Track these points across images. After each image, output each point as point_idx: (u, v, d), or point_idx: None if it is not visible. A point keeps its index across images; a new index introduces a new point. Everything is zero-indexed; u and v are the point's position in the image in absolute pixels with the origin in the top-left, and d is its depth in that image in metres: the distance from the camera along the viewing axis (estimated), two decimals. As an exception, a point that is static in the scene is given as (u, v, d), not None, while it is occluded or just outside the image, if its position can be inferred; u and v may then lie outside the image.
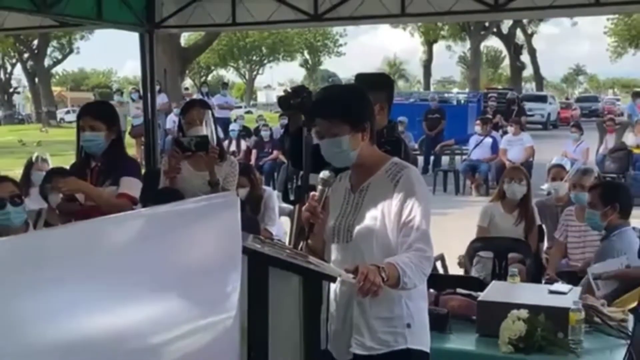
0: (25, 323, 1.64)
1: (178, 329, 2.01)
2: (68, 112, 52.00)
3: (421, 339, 3.20)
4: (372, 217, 3.14)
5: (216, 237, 2.21)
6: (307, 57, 64.22)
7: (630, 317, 3.80)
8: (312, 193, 3.25)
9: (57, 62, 54.07)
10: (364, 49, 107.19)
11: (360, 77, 4.42)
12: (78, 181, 4.42)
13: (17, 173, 7.38)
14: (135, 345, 1.85)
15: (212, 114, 5.60)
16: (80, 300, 1.74)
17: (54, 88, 55.82)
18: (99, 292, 1.78)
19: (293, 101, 4.28)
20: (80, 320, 1.73)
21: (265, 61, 63.96)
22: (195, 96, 18.99)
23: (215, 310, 2.15)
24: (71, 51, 53.13)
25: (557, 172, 7.33)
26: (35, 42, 45.32)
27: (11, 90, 55.43)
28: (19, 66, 51.57)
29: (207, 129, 5.26)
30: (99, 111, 4.71)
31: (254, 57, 62.24)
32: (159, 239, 1.96)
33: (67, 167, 4.94)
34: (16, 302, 1.64)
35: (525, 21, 47.39)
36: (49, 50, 49.61)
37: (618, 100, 57.98)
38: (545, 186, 7.90)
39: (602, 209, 4.97)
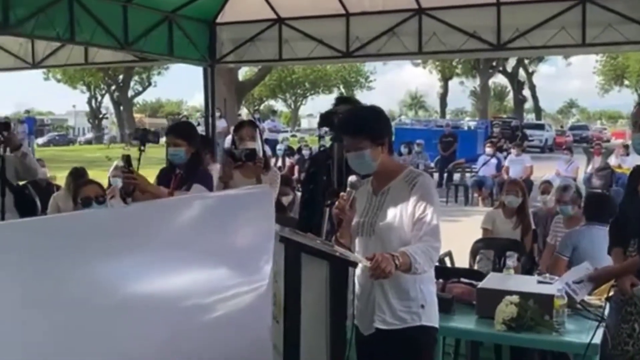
0: (105, 282, 1.70)
1: (225, 292, 2.06)
2: (146, 134, 52.54)
3: (432, 317, 3.21)
4: (392, 215, 3.14)
5: (254, 219, 2.25)
6: (343, 90, 64.06)
7: (606, 304, 3.74)
8: (341, 194, 3.27)
9: (138, 93, 54.74)
10: (390, 84, 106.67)
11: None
12: (148, 183, 4.46)
13: (103, 183, 7.50)
14: (189, 304, 1.89)
15: (260, 132, 5.66)
16: (148, 266, 1.79)
17: (135, 115, 56.35)
18: (162, 260, 1.83)
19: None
20: (146, 282, 1.78)
21: (308, 94, 64.01)
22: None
23: (253, 279, 2.19)
24: (150, 84, 53.73)
25: (545, 187, 7.60)
26: (121, 76, 45.99)
27: (100, 116, 56.29)
28: (107, 96, 52.31)
29: (254, 144, 5.32)
30: (181, 130, 4.73)
31: (299, 91, 62.41)
32: (209, 220, 2.01)
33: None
34: (101, 265, 1.70)
35: (526, 61, 46.97)
36: (132, 83, 50.22)
37: (605, 129, 57.15)
38: (538, 199, 7.91)
39: None
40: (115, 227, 1.80)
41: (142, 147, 4.41)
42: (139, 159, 4.55)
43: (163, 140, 5.04)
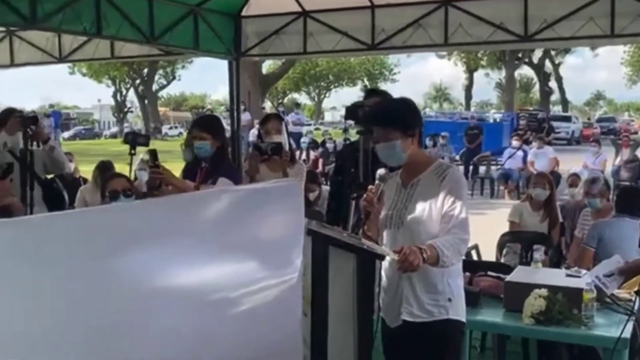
0: (134, 275, 1.72)
1: (255, 285, 2.07)
2: (171, 128, 52.96)
3: (459, 311, 3.21)
4: (421, 208, 3.13)
5: (283, 212, 2.25)
6: (367, 83, 63.85)
7: (636, 298, 3.71)
8: (369, 187, 3.27)
9: (163, 87, 55.04)
10: (415, 76, 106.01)
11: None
12: (174, 177, 4.48)
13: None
14: (217, 297, 1.91)
15: (286, 126, 5.67)
16: (178, 260, 1.80)
17: (159, 108, 56.73)
18: (193, 253, 1.84)
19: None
20: (176, 276, 1.80)
21: (332, 87, 63.87)
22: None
23: (284, 272, 2.19)
24: (174, 78, 53.97)
25: (573, 180, 7.54)
26: (145, 70, 46.32)
27: (125, 110, 56.75)
28: (132, 90, 52.69)
29: (281, 137, 5.32)
30: (206, 124, 4.70)
31: (322, 83, 62.32)
32: (238, 213, 2.02)
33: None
34: (130, 259, 1.73)
35: (553, 52, 46.43)
36: (156, 77, 50.52)
37: (633, 121, 56.34)
38: (566, 191, 7.85)
39: None
40: (144, 221, 1.81)
41: (133, 151, 4.40)
42: (130, 163, 4.54)
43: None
